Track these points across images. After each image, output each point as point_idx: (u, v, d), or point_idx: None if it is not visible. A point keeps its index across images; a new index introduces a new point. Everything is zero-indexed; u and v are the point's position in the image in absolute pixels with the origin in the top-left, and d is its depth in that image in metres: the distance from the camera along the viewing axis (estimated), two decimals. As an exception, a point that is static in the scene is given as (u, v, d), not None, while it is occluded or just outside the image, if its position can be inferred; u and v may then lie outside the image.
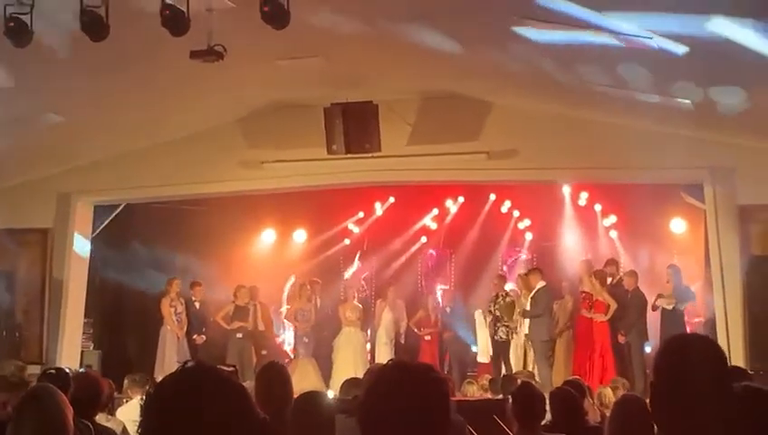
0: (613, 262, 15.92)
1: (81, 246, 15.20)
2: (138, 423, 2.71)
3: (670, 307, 14.09)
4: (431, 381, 2.71)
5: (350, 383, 7.04)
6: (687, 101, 11.38)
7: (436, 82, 13.32)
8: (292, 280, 17.98)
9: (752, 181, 12.65)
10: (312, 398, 5.16)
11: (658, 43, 9.30)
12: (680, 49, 9.33)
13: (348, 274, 18.92)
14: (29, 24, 8.41)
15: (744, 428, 2.74)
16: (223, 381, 2.01)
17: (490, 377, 14.18)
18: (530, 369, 14.65)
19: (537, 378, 13.51)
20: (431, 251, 19.37)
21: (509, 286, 16.63)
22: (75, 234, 15.01)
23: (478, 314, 16.48)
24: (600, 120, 13.09)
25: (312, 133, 13.51)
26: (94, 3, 8.33)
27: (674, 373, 2.74)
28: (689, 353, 2.77)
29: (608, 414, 5.92)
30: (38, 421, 4.04)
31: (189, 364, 2.09)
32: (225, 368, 3.62)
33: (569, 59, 10.75)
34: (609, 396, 10.53)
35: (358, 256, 19.03)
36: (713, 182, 13.01)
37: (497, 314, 15.84)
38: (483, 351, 16.38)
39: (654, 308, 14.31)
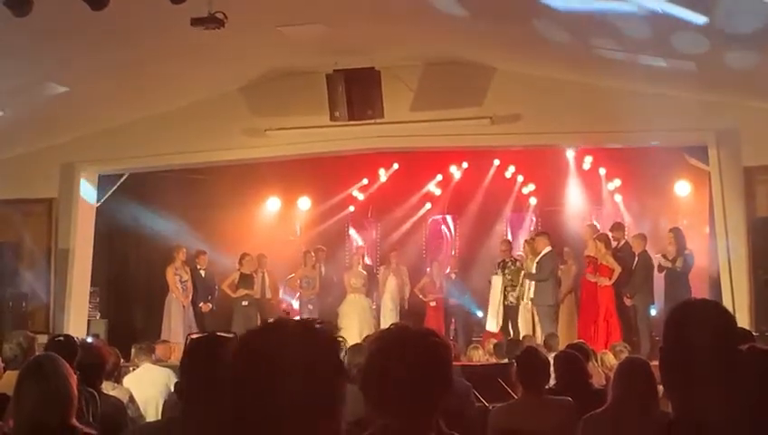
0: (620, 226, 15.87)
1: (86, 215, 15.21)
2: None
3: (667, 265, 14.10)
4: (431, 346, 2.72)
5: (353, 350, 7.05)
6: (691, 64, 11.32)
7: (438, 48, 13.25)
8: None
9: (756, 142, 12.59)
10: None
11: (662, 7, 9.24)
12: (686, 13, 9.28)
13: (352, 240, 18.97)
14: (29, -6, 8.36)
15: (749, 389, 2.74)
16: (309, 328, 2.11)
17: (495, 341, 14.23)
18: (538, 333, 14.72)
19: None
20: (437, 217, 19.39)
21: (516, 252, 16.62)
22: (80, 203, 15.02)
23: (495, 280, 16.30)
24: (604, 84, 13.02)
25: (315, 100, 13.47)
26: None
27: (682, 338, 2.75)
28: (697, 318, 2.78)
29: (611, 377, 5.93)
30: (41, 390, 4.06)
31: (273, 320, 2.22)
32: (226, 335, 3.65)
33: (573, 23, 10.69)
34: (611, 360, 10.55)
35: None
36: (717, 144, 12.95)
37: (508, 278, 15.86)
38: (493, 317, 16.22)
39: (660, 270, 14.31)
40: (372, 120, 13.37)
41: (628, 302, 14.44)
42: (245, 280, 16.12)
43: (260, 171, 16.60)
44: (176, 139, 14.47)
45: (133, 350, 10.55)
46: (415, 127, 13.80)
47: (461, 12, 10.86)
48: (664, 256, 14.22)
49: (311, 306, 16.45)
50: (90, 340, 10.71)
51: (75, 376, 4.22)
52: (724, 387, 2.67)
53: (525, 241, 16.45)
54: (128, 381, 8.97)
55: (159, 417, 7.78)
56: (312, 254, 16.94)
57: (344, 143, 14.23)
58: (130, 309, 17.13)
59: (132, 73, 12.40)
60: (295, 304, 17.37)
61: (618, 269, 14.50)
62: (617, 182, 17.29)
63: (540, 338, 13.94)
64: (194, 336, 3.74)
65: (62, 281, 14.79)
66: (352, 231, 19.54)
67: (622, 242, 15.24)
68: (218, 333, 3.67)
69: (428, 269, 17.52)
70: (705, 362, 2.67)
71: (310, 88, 13.62)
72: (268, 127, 14.26)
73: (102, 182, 15.40)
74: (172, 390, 8.20)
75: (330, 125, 13.59)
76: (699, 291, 13.94)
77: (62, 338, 6.40)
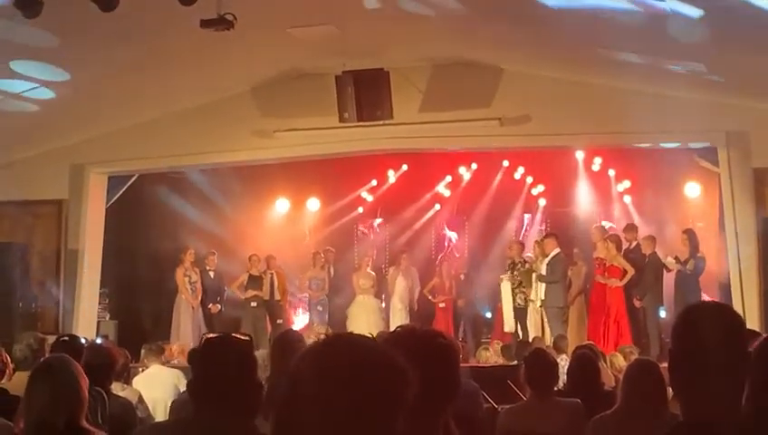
0: (632, 227, 15.76)
1: (96, 216, 15.23)
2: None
3: (674, 269, 14.07)
4: (439, 347, 2.71)
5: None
6: (701, 65, 11.30)
7: (447, 49, 13.24)
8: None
9: (766, 144, 12.56)
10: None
11: (671, 6, 9.23)
12: (695, 12, 9.25)
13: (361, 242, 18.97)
14: (39, -5, 8.38)
15: (758, 390, 2.73)
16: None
17: (503, 343, 14.20)
18: (547, 334, 14.68)
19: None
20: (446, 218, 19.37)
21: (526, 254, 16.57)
22: (90, 204, 15.05)
23: (505, 285, 16.22)
24: (613, 85, 13.00)
25: (324, 101, 13.48)
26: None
27: (691, 340, 2.73)
28: (706, 320, 2.76)
29: (620, 379, 5.91)
30: (50, 391, 4.07)
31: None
32: (240, 336, 3.65)
33: (582, 24, 10.67)
34: (621, 362, 10.52)
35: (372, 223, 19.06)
36: (727, 145, 12.92)
37: (518, 280, 15.80)
38: (508, 319, 16.11)
39: (668, 270, 14.29)
40: (381, 122, 13.37)
41: (637, 304, 14.41)
42: (254, 281, 16.14)
43: (269, 172, 16.61)
44: (185, 140, 14.48)
45: (143, 351, 10.57)
46: (424, 128, 13.79)
47: (469, 13, 10.86)
48: (676, 258, 14.19)
49: (320, 308, 16.45)
50: (99, 341, 10.76)
51: (85, 377, 4.23)
52: (733, 389, 2.66)
53: (535, 242, 16.39)
54: (137, 381, 8.99)
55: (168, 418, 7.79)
56: (321, 255, 16.95)
57: (353, 144, 14.22)
58: (140, 310, 17.14)
59: (142, 75, 12.42)
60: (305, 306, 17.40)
61: (631, 271, 14.43)
62: (626, 183, 17.25)
63: (549, 340, 13.92)
64: (209, 336, 3.75)
65: (72, 282, 14.81)
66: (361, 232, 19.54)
67: (634, 244, 15.19)
68: (234, 335, 3.67)
69: (437, 270, 17.48)
70: (713, 363, 2.66)
71: (319, 89, 13.63)
72: (277, 128, 14.27)
73: (112, 183, 15.42)
74: (181, 391, 8.22)
75: (339, 126, 13.59)
76: (709, 293, 13.91)
77: (67, 338, 6.41)
